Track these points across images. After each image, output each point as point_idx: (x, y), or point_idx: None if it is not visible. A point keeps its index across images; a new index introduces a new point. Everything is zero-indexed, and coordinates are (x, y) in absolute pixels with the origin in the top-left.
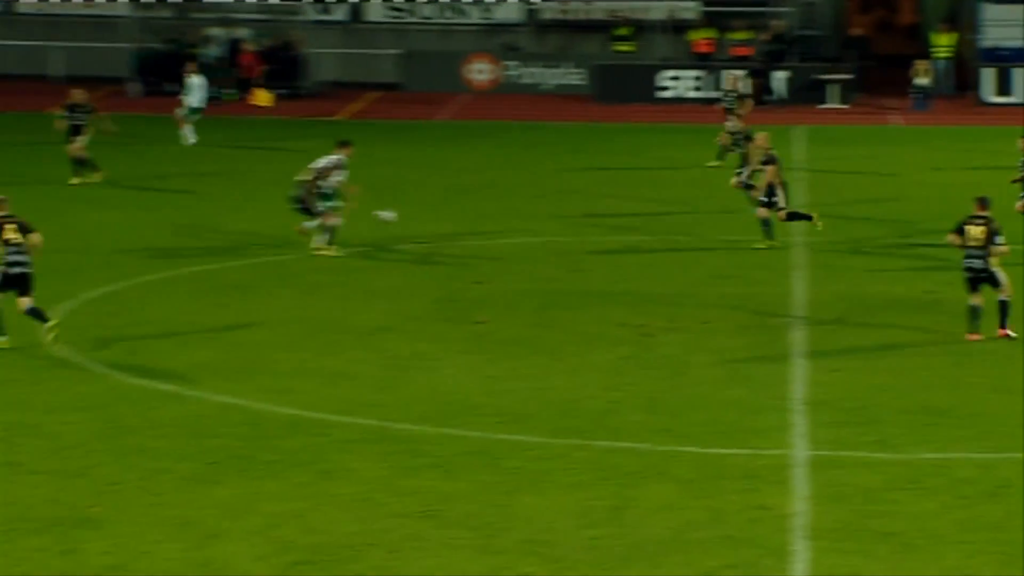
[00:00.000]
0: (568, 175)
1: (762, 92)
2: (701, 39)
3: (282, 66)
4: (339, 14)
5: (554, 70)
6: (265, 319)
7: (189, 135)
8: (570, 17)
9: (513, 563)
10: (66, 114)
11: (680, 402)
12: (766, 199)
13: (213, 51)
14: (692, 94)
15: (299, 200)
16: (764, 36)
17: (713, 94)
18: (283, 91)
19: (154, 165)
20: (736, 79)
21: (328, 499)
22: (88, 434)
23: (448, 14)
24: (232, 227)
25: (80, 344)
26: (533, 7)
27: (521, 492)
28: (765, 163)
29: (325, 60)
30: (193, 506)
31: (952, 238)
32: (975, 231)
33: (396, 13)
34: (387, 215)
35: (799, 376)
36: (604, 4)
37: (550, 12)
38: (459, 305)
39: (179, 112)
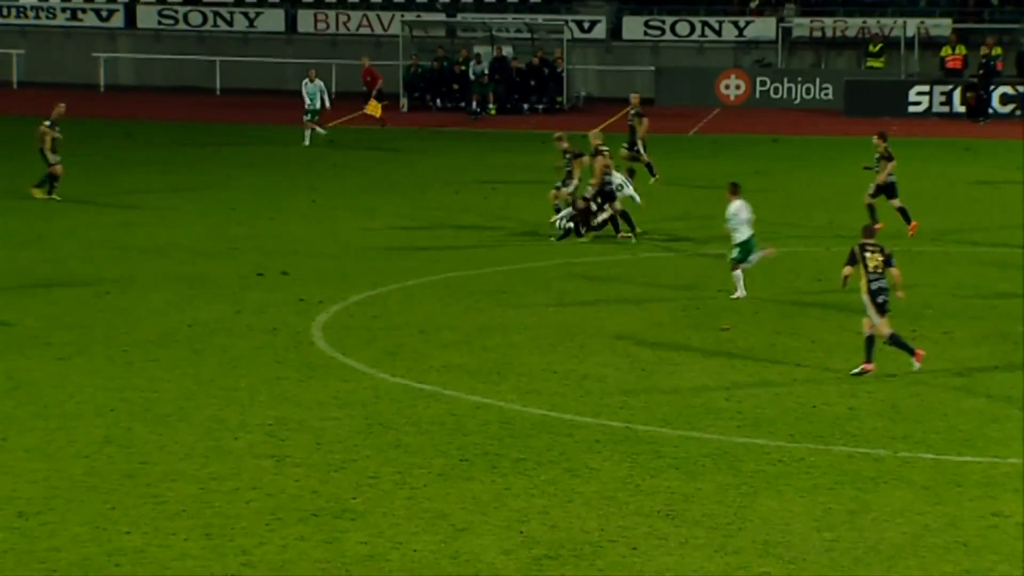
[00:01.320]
0: (815, 187)
1: (978, 108)
2: (952, 55)
3: (542, 82)
4: (598, 32)
5: (804, 86)
6: (517, 323)
7: (306, 138)
8: (821, 35)
9: (750, 563)
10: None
11: (919, 410)
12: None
13: (479, 68)
14: (940, 108)
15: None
16: (984, 50)
17: (959, 109)
18: (542, 106)
19: (418, 175)
20: (639, 96)
21: (573, 496)
22: (350, 430)
23: (703, 32)
24: (487, 236)
25: (346, 344)
26: (786, 25)
27: (759, 494)
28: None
29: (584, 76)
30: (446, 500)
31: (847, 270)
32: (874, 260)
33: (653, 31)
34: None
35: None
36: (855, 21)
37: (801, 29)
38: (704, 312)
39: (306, 118)
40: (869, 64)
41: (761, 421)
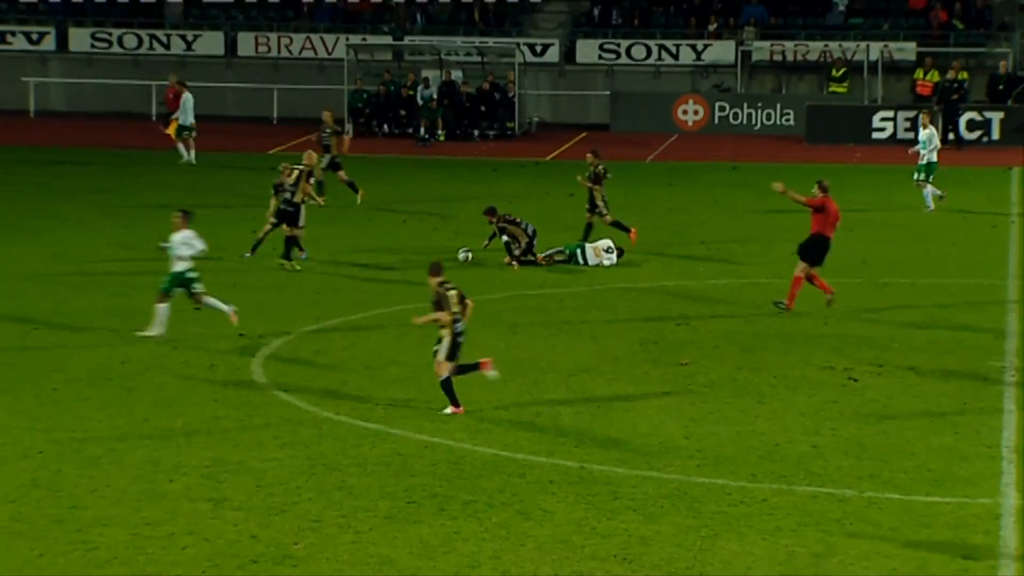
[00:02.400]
0: (776, 216)
1: (946, 132)
2: (922, 80)
3: (493, 107)
4: (551, 55)
5: (764, 111)
6: (468, 358)
7: (184, 152)
8: (781, 59)
9: None
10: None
11: (886, 448)
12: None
13: (427, 92)
14: (905, 135)
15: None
16: (950, 74)
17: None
18: (493, 132)
19: (364, 204)
20: (332, 114)
21: (525, 540)
22: (291, 471)
23: (659, 55)
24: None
25: (288, 381)
26: (745, 48)
27: (720, 537)
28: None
29: (536, 101)
30: (392, 545)
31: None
32: (456, 298)
33: (608, 55)
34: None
35: (1010, 423)
36: (817, 44)
37: (761, 53)
38: (662, 346)
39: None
40: (832, 89)
41: (722, 460)
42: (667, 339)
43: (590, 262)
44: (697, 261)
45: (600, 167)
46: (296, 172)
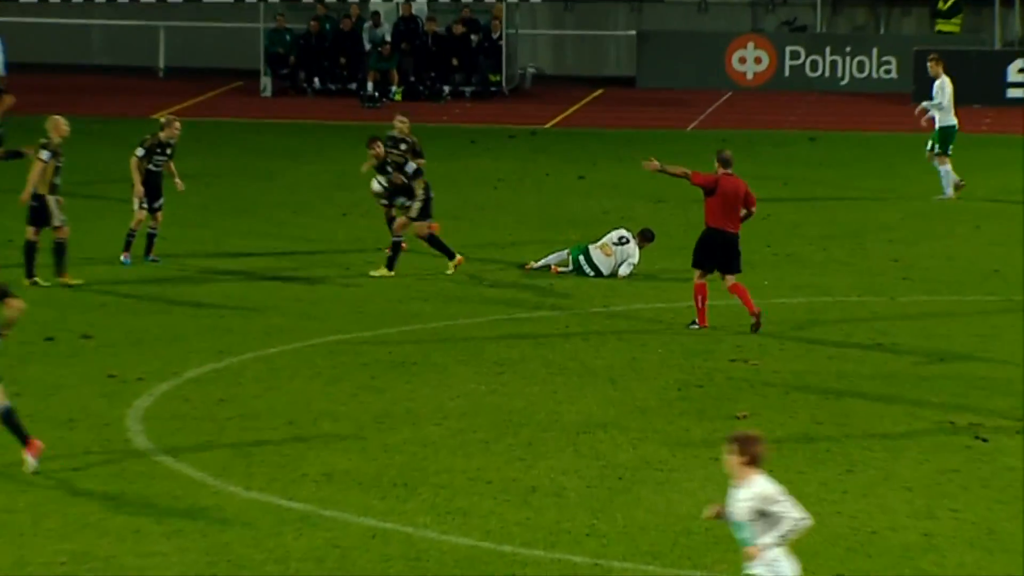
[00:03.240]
0: (872, 208)
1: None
2: None
3: (471, 55)
4: None
5: (855, 59)
6: (433, 410)
7: None
8: None
9: None
10: None
11: None
12: None
13: (377, 33)
14: None
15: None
16: None
17: None
18: (471, 88)
19: (287, 191)
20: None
21: None
22: (183, 570)
23: None
24: (390, 282)
25: (178, 442)
26: None
27: None
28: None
29: (533, 46)
30: None
31: None
32: None
33: None
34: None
35: None
36: None
37: None
38: (709, 392)
39: None
40: (939, 28)
41: (796, 554)
42: (716, 382)
43: (602, 269)
44: (760, 270)
45: (411, 140)
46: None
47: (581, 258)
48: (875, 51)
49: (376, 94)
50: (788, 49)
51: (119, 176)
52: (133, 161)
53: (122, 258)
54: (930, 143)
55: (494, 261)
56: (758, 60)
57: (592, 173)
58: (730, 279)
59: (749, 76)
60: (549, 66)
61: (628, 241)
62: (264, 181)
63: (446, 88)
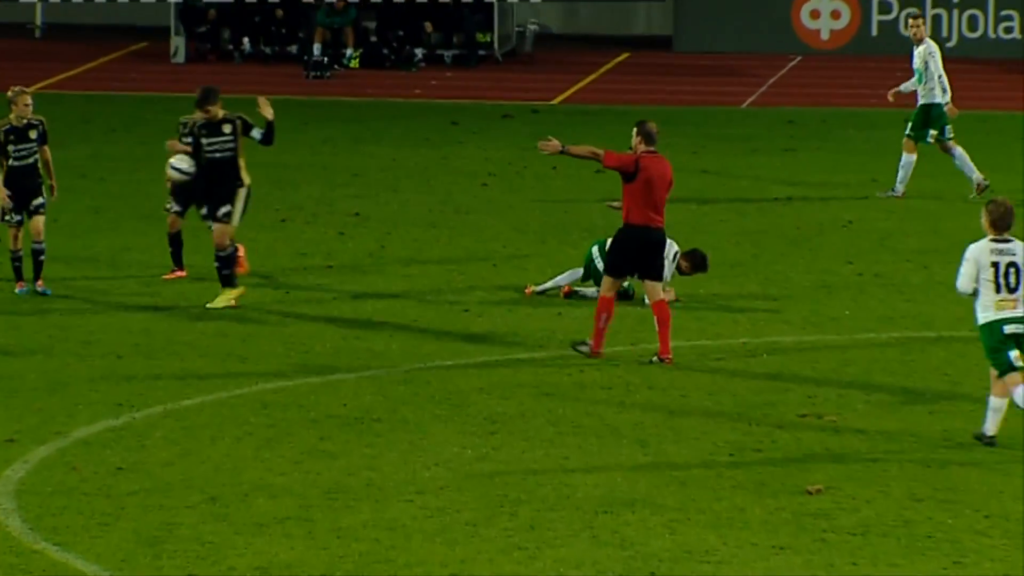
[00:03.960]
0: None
1: None
2: None
3: (451, 10)
4: None
5: (965, 13)
6: (404, 481)
7: None
8: None
9: None
10: None
11: None
12: None
13: None
14: None
15: None
16: None
17: None
18: (452, 52)
19: None
20: None
21: None
22: None
23: None
24: (346, 307)
25: (63, 525)
26: None
27: None
28: None
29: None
30: None
31: None
32: None
33: None
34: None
35: None
36: None
37: None
38: (770, 458)
39: None
40: None
41: None
42: (780, 445)
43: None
44: (839, 296)
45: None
46: None
47: (595, 250)
48: (991, 3)
49: (325, 60)
50: (876, 2)
51: None
52: None
53: (17, 289)
54: (911, 124)
55: (482, 284)
56: (836, 15)
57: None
58: (655, 290)
59: (824, 36)
60: (557, 23)
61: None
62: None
63: (418, 52)
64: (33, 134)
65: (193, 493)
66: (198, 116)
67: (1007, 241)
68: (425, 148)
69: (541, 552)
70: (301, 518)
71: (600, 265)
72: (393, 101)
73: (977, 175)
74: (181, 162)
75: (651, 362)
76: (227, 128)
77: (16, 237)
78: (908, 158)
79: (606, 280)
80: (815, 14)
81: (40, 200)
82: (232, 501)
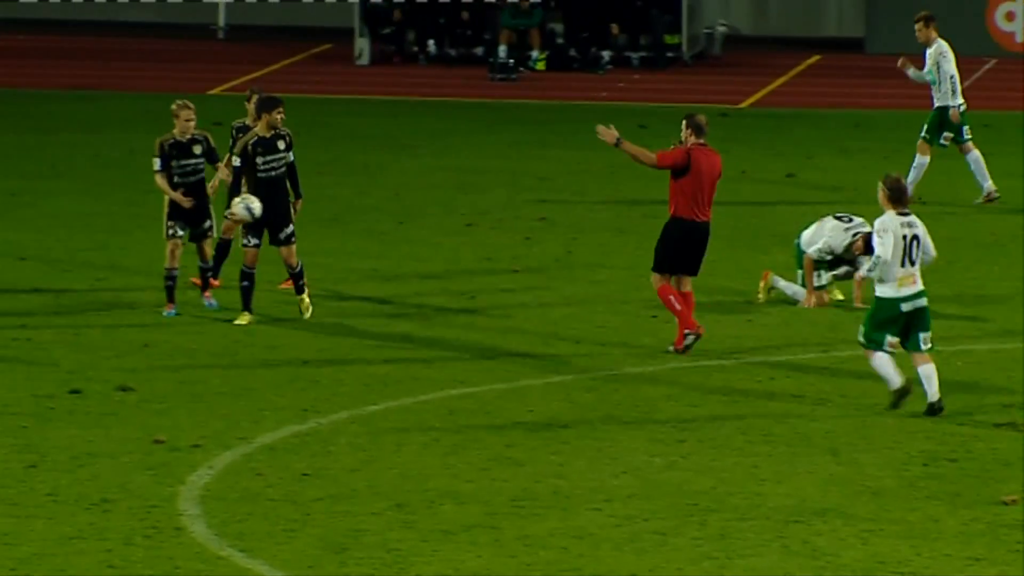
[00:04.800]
0: None
1: None
2: None
3: (638, 9)
4: None
5: None
6: (589, 490)
7: None
8: None
9: None
10: None
11: None
12: None
13: None
14: None
15: None
16: None
17: None
18: (639, 55)
19: (396, 191)
20: None
21: None
22: None
23: None
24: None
25: (249, 531)
26: None
27: None
28: None
29: None
30: None
31: None
32: None
33: None
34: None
35: None
36: None
37: None
38: (966, 469)
39: None
40: None
41: None
42: (976, 455)
43: (834, 246)
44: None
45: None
46: None
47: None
48: None
49: (511, 62)
50: None
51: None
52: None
53: (165, 311)
54: (926, 128)
55: None
56: None
57: (805, 170)
58: (688, 284)
59: (1019, 38)
60: (747, 24)
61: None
62: (360, 179)
63: (606, 54)
64: (198, 149)
65: (379, 500)
66: (260, 128)
67: (909, 215)
68: (612, 152)
69: (731, 562)
70: (488, 526)
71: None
72: (579, 104)
73: (989, 184)
74: (254, 202)
75: (681, 349)
76: (282, 144)
77: (174, 254)
78: (920, 160)
79: (654, 276)
80: (1010, 16)
81: (208, 223)
82: (418, 508)
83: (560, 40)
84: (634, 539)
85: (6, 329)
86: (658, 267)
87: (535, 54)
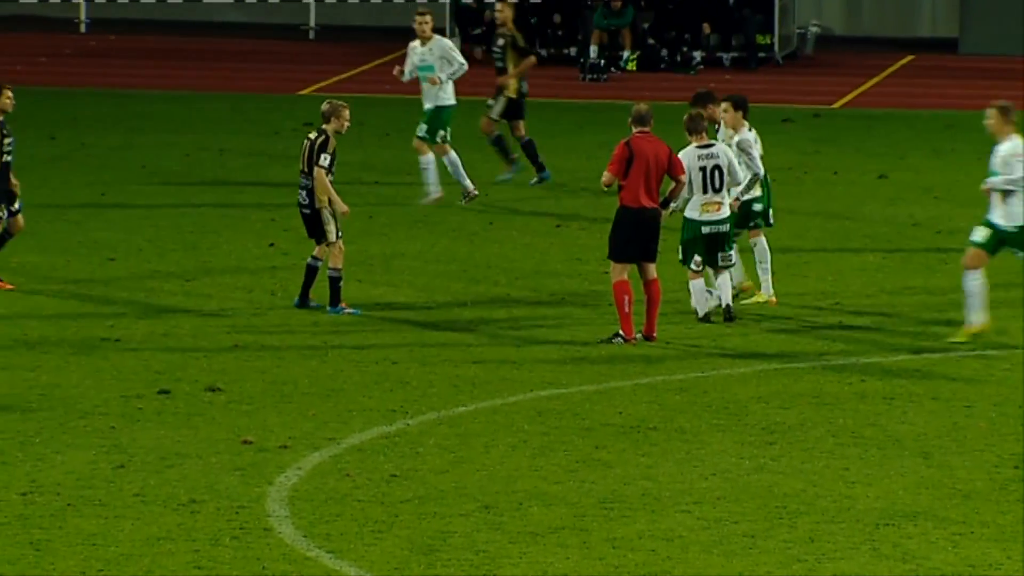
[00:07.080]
0: None
1: None
2: None
3: (730, 10)
4: None
5: None
6: (678, 492)
7: None
8: None
9: None
10: None
11: None
12: None
13: None
14: None
15: None
16: None
17: None
18: (730, 55)
19: (479, 196)
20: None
21: None
22: None
23: None
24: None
25: (337, 532)
26: None
27: None
28: None
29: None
30: None
31: None
32: None
33: None
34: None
35: None
36: None
37: None
38: None
39: None
40: None
41: None
42: None
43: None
44: None
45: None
46: None
47: None
48: None
49: (602, 62)
50: None
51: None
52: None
53: (347, 310)
54: None
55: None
56: None
57: (897, 171)
58: (650, 270)
59: None
60: (839, 24)
61: None
62: (449, 179)
63: (697, 55)
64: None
65: (467, 501)
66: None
67: (710, 146)
68: None
69: (821, 565)
70: (576, 528)
71: None
72: (671, 104)
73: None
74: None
75: (644, 338)
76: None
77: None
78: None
79: (613, 267)
80: None
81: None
82: (506, 510)
83: (651, 40)
84: (723, 542)
85: (95, 329)
86: (613, 255)
87: (626, 54)
